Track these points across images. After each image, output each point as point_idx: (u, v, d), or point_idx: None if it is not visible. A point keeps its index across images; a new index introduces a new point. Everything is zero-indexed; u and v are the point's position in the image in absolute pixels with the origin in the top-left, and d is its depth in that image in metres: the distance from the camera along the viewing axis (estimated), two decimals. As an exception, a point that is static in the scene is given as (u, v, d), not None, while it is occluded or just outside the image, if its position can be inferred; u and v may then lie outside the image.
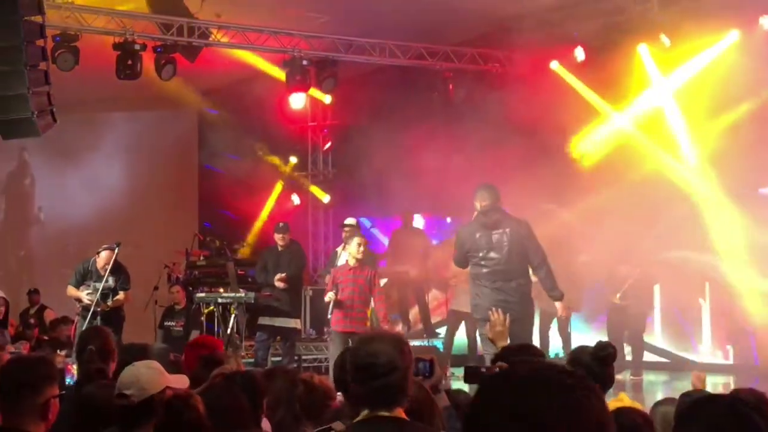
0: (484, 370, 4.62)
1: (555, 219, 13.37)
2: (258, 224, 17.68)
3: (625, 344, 13.24)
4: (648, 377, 13.56)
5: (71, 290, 12.49)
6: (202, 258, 16.84)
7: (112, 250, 12.31)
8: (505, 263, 9.69)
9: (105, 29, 13.26)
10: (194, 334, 13.62)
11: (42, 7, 10.93)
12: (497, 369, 4.50)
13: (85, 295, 12.17)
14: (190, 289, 15.40)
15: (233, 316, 13.22)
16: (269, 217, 16.46)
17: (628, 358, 13.36)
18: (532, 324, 10.21)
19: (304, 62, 14.69)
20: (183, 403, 3.52)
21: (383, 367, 3.62)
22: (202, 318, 14.17)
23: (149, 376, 4.42)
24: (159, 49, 13.67)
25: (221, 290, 14.25)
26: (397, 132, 14.26)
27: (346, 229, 13.15)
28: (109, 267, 12.20)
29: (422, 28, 14.77)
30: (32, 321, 15.66)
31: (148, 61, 13.57)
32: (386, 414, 3.63)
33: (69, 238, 19.27)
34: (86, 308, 12.18)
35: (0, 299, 10.70)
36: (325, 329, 15.38)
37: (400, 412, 3.67)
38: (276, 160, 18.24)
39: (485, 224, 9.72)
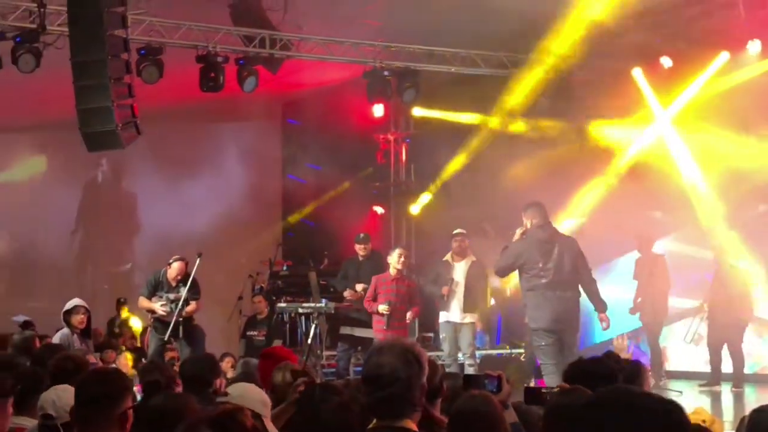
0: (545, 391, 4.58)
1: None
2: (340, 234, 17.69)
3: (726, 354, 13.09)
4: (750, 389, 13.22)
5: (143, 301, 12.54)
6: (285, 268, 16.95)
7: (183, 260, 12.39)
8: (561, 275, 10.39)
9: (188, 42, 13.42)
10: (276, 344, 13.72)
11: (126, 21, 11.14)
12: (557, 389, 4.44)
13: (159, 306, 12.25)
14: (273, 298, 15.51)
15: (314, 325, 13.26)
16: (351, 227, 16.46)
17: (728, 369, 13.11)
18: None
19: (385, 73, 14.71)
20: (229, 418, 3.51)
21: (386, 378, 3.69)
22: (284, 328, 14.25)
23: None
24: (241, 61, 13.78)
25: (303, 300, 14.31)
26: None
27: (457, 238, 12.89)
28: (180, 277, 12.30)
29: (503, 37, 14.67)
30: (117, 330, 15.93)
31: (230, 73, 13.70)
32: (393, 425, 3.70)
33: (154, 248, 19.53)
34: (159, 319, 12.29)
35: (81, 308, 10.86)
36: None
37: (408, 423, 3.73)
38: (358, 170, 18.26)
39: (542, 239, 10.42)
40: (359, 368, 13.48)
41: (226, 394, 5.20)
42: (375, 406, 3.75)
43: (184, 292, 12.16)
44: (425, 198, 16.79)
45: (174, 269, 12.32)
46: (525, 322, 11.34)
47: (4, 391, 4.80)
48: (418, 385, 3.74)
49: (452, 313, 12.48)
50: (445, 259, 12.58)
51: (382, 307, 11.80)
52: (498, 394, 4.48)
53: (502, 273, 11.01)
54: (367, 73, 14.79)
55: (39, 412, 4.91)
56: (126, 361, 12.91)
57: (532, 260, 10.44)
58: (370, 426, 3.76)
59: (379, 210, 17.98)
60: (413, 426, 3.74)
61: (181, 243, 17.23)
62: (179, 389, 5.97)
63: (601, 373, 4.97)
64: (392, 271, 11.91)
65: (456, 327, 12.32)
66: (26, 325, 14.60)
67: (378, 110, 16.29)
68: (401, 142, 17.96)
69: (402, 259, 11.87)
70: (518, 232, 10.66)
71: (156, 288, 12.38)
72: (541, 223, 10.49)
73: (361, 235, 13.52)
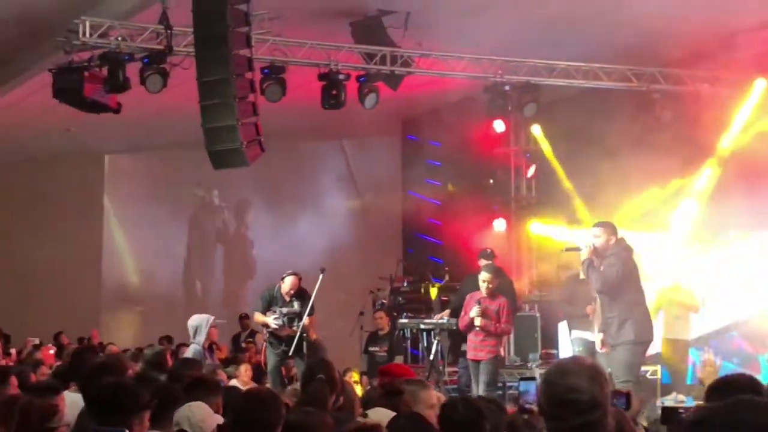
0: (682, 411, 4.47)
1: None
2: (461, 250, 17.63)
3: None
4: None
5: (258, 316, 12.60)
6: (405, 284, 16.96)
7: (297, 275, 12.42)
8: None
9: (311, 61, 13.56)
10: (398, 360, 13.72)
11: (251, 41, 11.32)
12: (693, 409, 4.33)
13: (272, 320, 12.29)
14: (394, 314, 15.52)
15: (436, 342, 13.21)
16: (472, 243, 16.39)
17: None
18: None
19: (506, 87, 14.62)
20: None
21: (586, 404, 3.42)
22: (406, 344, 14.24)
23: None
24: (362, 78, 13.86)
25: (424, 316, 14.27)
26: (600, 156, 13.98)
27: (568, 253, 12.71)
28: (294, 292, 12.34)
29: (627, 50, 14.47)
30: (243, 345, 16.15)
31: (351, 90, 13.79)
32: None
33: (276, 263, 19.83)
34: (273, 334, 12.38)
35: (213, 323, 11.08)
36: (530, 356, 15.25)
37: None
38: (479, 185, 18.19)
39: (631, 253, 10.51)
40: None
41: (365, 415, 5.21)
42: None
43: (296, 306, 12.25)
44: (545, 212, 16.64)
45: (287, 284, 12.37)
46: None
47: (142, 405, 4.89)
48: (608, 410, 3.52)
49: (589, 332, 12.30)
50: (582, 277, 12.38)
51: (475, 311, 11.78)
52: (626, 411, 4.40)
53: (610, 287, 10.67)
54: (488, 88, 14.72)
55: (174, 427, 4.99)
56: (246, 374, 13.03)
57: (635, 273, 10.51)
58: None
59: (499, 225, 17.87)
60: None
61: (304, 258, 17.49)
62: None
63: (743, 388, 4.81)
64: (483, 291, 11.95)
65: (590, 345, 12.08)
66: (163, 340, 14.97)
67: (498, 125, 16.21)
68: (521, 157, 17.83)
69: (487, 285, 11.91)
70: (585, 250, 10.47)
71: (270, 303, 12.44)
72: (620, 237, 10.53)
73: (488, 250, 13.40)
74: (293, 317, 12.19)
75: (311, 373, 6.38)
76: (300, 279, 12.43)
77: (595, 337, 11.36)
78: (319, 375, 6.24)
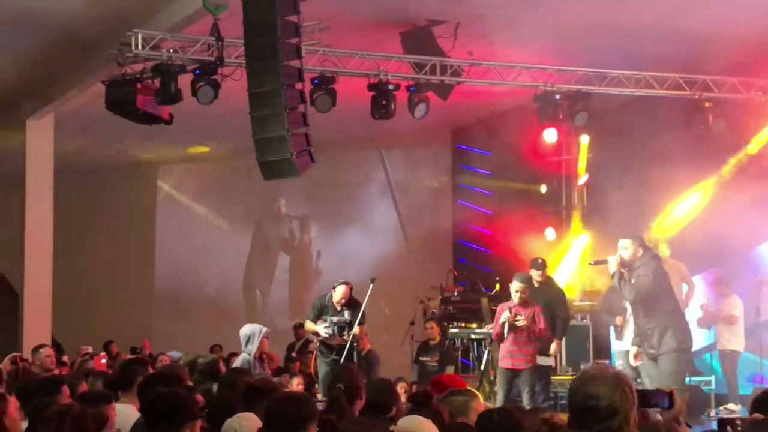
0: (738, 422, 4.43)
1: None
2: (512, 259, 17.57)
3: None
4: None
5: (309, 325, 12.73)
6: (456, 293, 16.92)
7: (348, 284, 12.49)
8: None
9: (360, 71, 13.59)
10: (449, 370, 13.69)
11: (301, 52, 11.36)
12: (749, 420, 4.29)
13: (322, 329, 12.37)
14: (445, 324, 15.49)
15: (487, 351, 13.16)
16: (523, 252, 16.31)
17: None
18: None
19: (557, 96, 14.54)
20: None
21: (605, 411, 3.49)
22: (456, 354, 14.20)
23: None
24: (412, 88, 13.86)
25: (475, 326, 14.22)
26: (650, 164, 13.88)
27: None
28: (345, 301, 12.40)
29: (679, 57, 14.35)
30: (294, 355, 16.20)
31: (401, 100, 13.80)
32: None
33: (327, 273, 19.96)
34: (323, 343, 12.42)
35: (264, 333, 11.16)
36: (581, 366, 15.12)
37: None
38: (530, 194, 18.11)
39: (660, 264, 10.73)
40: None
41: (394, 424, 5.22)
42: None
43: (347, 315, 12.28)
44: (598, 222, 16.51)
45: (339, 293, 12.48)
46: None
47: (194, 414, 4.94)
48: (632, 419, 3.58)
49: (625, 342, 12.35)
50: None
51: (504, 317, 11.81)
52: (670, 410, 4.38)
53: (643, 297, 10.68)
54: (538, 97, 14.65)
55: (223, 438, 5.03)
56: (297, 385, 13.07)
57: (667, 281, 10.75)
58: None
59: (550, 234, 17.78)
60: None
61: (353, 268, 17.53)
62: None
63: None
64: (515, 299, 11.91)
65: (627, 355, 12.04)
66: (213, 349, 15.07)
67: (549, 134, 16.12)
68: (573, 165, 17.71)
69: (519, 294, 11.88)
70: (614, 262, 10.49)
71: (321, 312, 12.56)
72: (648, 248, 10.76)
73: (539, 260, 13.34)
74: (343, 326, 12.27)
75: (333, 382, 6.44)
76: (351, 288, 12.49)
77: (630, 348, 11.38)
78: (338, 383, 6.31)
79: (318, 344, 12.65)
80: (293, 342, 17.50)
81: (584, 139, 16.71)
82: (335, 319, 12.28)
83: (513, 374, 11.85)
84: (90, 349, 13.52)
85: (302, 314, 16.62)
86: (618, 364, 12.56)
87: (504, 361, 11.98)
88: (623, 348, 12.50)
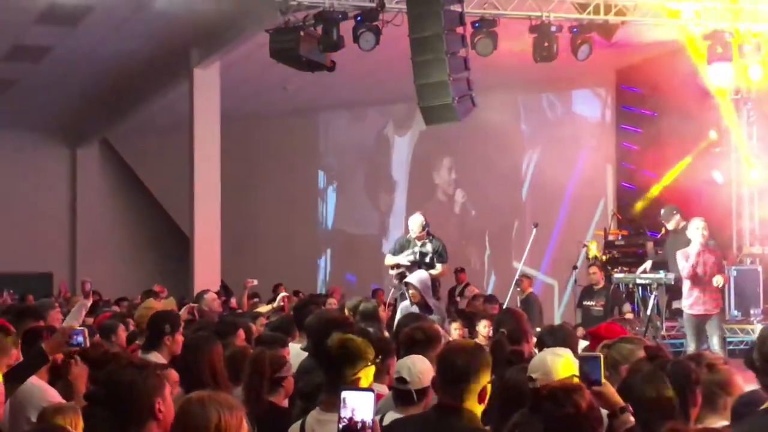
0: None
1: None
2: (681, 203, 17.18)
3: None
4: None
5: (389, 259, 11.96)
6: (620, 237, 16.67)
7: (421, 213, 11.85)
8: None
9: (522, 12, 13.42)
10: (626, 309, 13.61)
11: (461, -5, 11.32)
12: None
13: (404, 256, 11.68)
14: (609, 268, 15.30)
15: (653, 296, 12.96)
16: (692, 195, 15.88)
17: None
18: None
19: (726, 35, 14.03)
20: (565, 396, 3.54)
21: None
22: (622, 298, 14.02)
23: (555, 363, 4.62)
24: (575, 30, 13.62)
25: (641, 270, 13.97)
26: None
27: None
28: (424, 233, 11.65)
29: None
30: (458, 299, 16.34)
31: (563, 42, 13.57)
32: None
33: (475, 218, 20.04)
34: (400, 276, 11.49)
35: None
36: (751, 311, 14.73)
37: None
38: (698, 135, 17.57)
39: None
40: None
41: None
42: None
43: (429, 247, 11.65)
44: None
45: (414, 223, 11.78)
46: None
47: (370, 359, 5.06)
48: None
49: None
50: None
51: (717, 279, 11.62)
52: None
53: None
54: (708, 35, 14.16)
55: (395, 375, 5.11)
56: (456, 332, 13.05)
57: None
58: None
59: (717, 176, 17.24)
60: None
61: (511, 209, 17.51)
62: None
63: None
64: (700, 238, 11.62)
65: None
66: (374, 293, 15.26)
67: (719, 72, 15.49)
68: (743, 104, 17.06)
69: (702, 231, 11.57)
70: None
71: (403, 249, 11.80)
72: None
73: (663, 209, 13.19)
74: (426, 255, 11.63)
75: (497, 326, 6.56)
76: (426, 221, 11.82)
77: None
78: (501, 328, 6.43)
79: (396, 283, 11.73)
80: (454, 286, 17.52)
81: (755, 73, 15.84)
82: (417, 249, 11.66)
83: (702, 320, 11.71)
84: (255, 282, 13.63)
85: (456, 261, 16.65)
86: None
87: (694, 308, 11.82)
88: None
